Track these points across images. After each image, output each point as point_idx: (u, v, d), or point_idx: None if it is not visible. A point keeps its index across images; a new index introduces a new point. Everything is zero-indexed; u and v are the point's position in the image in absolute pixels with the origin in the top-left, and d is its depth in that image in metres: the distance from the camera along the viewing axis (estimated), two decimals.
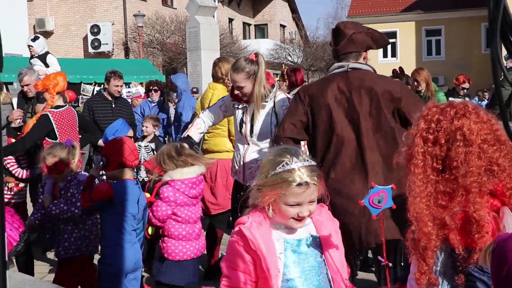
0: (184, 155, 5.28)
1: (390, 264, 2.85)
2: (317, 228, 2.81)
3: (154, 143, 8.48)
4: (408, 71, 8.87)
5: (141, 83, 17.54)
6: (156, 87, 11.45)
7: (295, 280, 2.69)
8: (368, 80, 4.51)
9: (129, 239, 4.88)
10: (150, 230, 5.86)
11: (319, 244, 2.79)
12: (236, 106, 5.44)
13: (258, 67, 5.23)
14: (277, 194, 2.64)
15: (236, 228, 2.75)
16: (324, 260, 2.78)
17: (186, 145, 5.37)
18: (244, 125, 5.37)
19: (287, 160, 2.66)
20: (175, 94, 10.00)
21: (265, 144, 5.29)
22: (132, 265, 4.91)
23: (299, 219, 2.69)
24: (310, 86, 4.92)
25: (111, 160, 4.95)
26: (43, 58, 11.23)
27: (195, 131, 5.53)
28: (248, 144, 5.38)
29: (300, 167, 2.64)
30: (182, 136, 5.66)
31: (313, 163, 2.76)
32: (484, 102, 19.55)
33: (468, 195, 2.49)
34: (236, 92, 5.31)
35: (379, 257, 3.17)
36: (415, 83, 8.33)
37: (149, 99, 11.62)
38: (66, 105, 7.41)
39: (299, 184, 2.62)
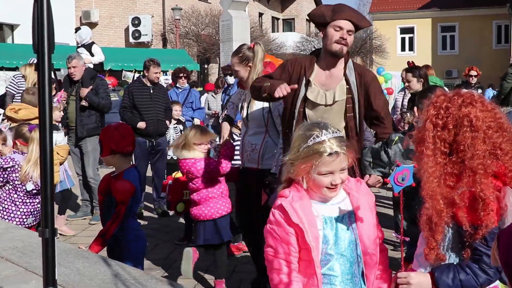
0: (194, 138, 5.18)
1: (407, 239, 2.84)
2: (353, 204, 2.78)
3: (181, 125, 8.91)
4: (424, 64, 8.79)
5: None
6: (185, 74, 11.14)
7: (333, 256, 2.68)
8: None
9: (135, 225, 4.76)
10: (178, 207, 5.87)
11: (355, 220, 2.76)
12: (242, 93, 5.38)
13: (254, 55, 5.11)
14: (310, 166, 2.63)
15: (278, 202, 2.72)
16: (358, 236, 2.75)
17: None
18: (242, 110, 5.26)
19: (317, 133, 2.66)
20: (229, 78, 9.83)
21: (259, 129, 5.12)
22: None
23: (332, 187, 2.68)
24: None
25: (104, 146, 4.59)
26: (88, 47, 11.28)
27: (231, 111, 5.57)
28: (246, 127, 5.25)
29: (329, 138, 2.65)
30: (222, 117, 5.66)
31: (341, 134, 2.76)
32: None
33: (475, 176, 2.48)
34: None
35: (395, 234, 3.18)
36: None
37: (177, 85, 11.24)
38: None
39: (330, 154, 2.62)
